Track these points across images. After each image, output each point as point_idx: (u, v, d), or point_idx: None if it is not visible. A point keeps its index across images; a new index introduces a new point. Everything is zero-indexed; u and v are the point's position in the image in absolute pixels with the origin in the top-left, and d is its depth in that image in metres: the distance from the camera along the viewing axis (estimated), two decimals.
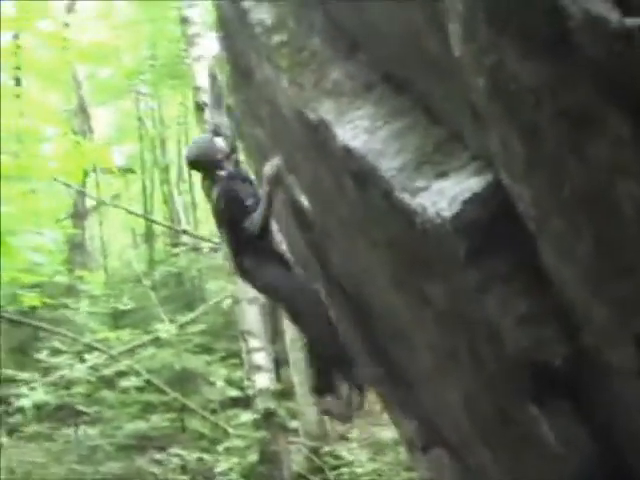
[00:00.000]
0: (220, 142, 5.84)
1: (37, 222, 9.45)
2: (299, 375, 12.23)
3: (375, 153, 3.41)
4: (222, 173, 5.72)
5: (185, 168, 21.47)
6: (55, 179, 14.79)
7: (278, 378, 13.00)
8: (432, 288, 3.51)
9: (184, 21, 11.65)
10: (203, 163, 5.88)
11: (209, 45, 10.55)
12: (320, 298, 5.55)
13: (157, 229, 21.84)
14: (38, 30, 13.42)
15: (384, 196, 3.37)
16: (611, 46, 1.98)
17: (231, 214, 5.60)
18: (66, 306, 16.50)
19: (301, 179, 5.10)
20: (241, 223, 5.44)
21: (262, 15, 4.43)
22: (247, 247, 5.57)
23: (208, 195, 6.05)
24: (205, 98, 10.13)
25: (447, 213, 2.96)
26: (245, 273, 5.76)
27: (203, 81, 10.35)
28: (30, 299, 12.47)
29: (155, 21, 18.91)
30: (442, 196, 3.02)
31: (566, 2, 2.05)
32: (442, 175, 3.14)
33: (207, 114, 9.60)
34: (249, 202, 5.52)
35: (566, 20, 2.05)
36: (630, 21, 1.93)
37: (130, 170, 21.32)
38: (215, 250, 16.18)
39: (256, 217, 5.36)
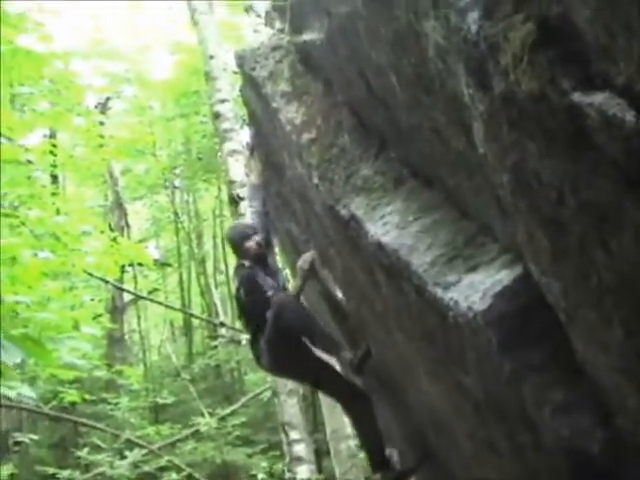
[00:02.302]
0: (251, 231, 5.91)
1: (76, 322, 9.53)
2: (340, 465, 12.10)
3: (407, 248, 3.48)
4: (246, 262, 5.79)
5: (221, 260, 21.79)
6: (92, 275, 14.97)
7: (319, 469, 12.88)
8: (468, 379, 3.54)
9: (216, 116, 11.90)
10: (232, 246, 6.02)
11: (242, 139, 10.80)
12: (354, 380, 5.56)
13: (195, 322, 21.99)
14: (74, 126, 13.73)
15: (417, 291, 3.43)
16: (627, 144, 2.05)
17: (252, 303, 5.64)
18: (106, 401, 16.56)
19: (335, 272, 5.18)
20: (260, 312, 5.50)
21: (291, 114, 4.58)
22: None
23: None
24: (239, 191, 10.29)
25: (479, 307, 3.01)
26: (259, 360, 5.78)
27: (237, 175, 10.56)
28: (70, 395, 12.57)
29: (188, 117, 19.40)
30: (473, 290, 3.07)
31: (583, 103, 2.13)
32: (473, 269, 3.19)
33: (243, 206, 9.74)
34: (270, 293, 5.55)
35: (583, 120, 2.13)
36: None
37: (167, 264, 21.57)
38: None
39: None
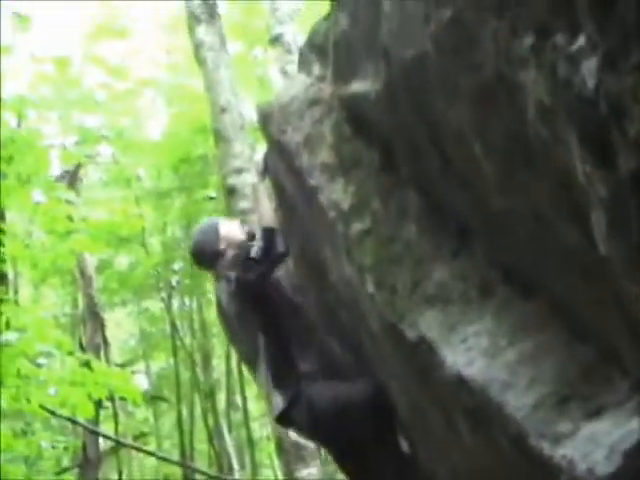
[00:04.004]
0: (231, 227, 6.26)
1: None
2: None
3: (499, 384, 3.47)
4: (229, 273, 6.00)
5: (237, 391, 21.76)
6: (54, 413, 14.97)
7: None
8: None
9: (230, 192, 12.00)
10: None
11: None
12: None
13: (199, 478, 21.86)
14: (31, 205, 13.89)
15: (514, 443, 3.41)
16: None
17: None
18: None
19: (399, 414, 5.16)
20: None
21: (337, 195, 4.63)
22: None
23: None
24: None
25: (605, 468, 2.98)
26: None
27: None
28: None
29: (190, 191, 19.62)
30: (596, 445, 3.04)
31: None
32: (594, 414, 3.17)
33: None
34: None
35: None
36: None
37: (160, 397, 21.57)
38: None
39: None
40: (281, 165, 5.29)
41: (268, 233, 5.84)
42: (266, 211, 6.20)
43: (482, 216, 3.73)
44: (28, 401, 11.82)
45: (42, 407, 12.62)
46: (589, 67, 2.37)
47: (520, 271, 3.72)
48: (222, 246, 6.15)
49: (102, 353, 19.03)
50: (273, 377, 5.97)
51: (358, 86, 4.49)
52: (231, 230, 6.29)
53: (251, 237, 6.10)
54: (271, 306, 5.88)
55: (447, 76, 3.38)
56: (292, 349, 5.87)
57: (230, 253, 6.10)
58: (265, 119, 5.28)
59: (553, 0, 2.51)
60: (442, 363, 3.77)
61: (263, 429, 23.50)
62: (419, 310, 4.05)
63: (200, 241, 6.40)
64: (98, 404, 16.75)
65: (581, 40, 2.41)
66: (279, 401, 5.90)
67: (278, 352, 5.90)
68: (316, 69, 5.18)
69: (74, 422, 17.23)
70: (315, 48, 5.23)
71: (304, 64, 5.38)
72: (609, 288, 2.86)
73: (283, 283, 6.00)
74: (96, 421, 18.67)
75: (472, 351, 3.70)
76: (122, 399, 17.40)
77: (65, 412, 15.04)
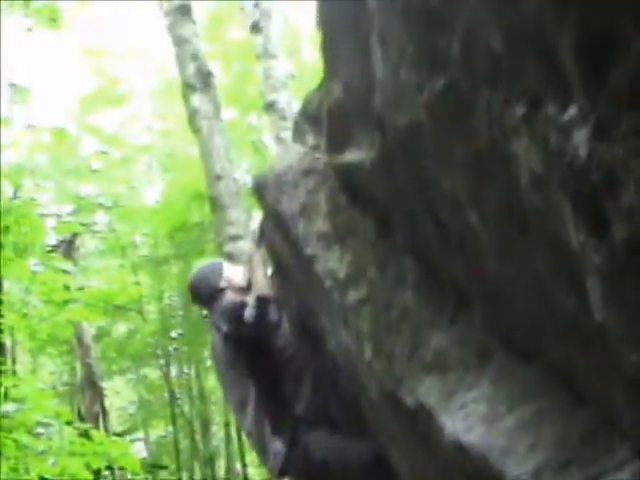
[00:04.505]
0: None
1: None
2: None
3: (499, 451, 3.46)
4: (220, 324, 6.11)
5: (237, 458, 21.63)
6: None
7: None
8: None
9: (228, 259, 12.01)
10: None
11: None
12: None
13: None
14: (28, 274, 13.90)
15: None
16: None
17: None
18: None
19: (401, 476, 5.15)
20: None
21: (333, 264, 4.64)
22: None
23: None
24: None
25: None
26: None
27: None
28: None
29: (187, 258, 19.63)
30: None
31: None
32: (595, 478, 3.16)
33: None
34: None
35: None
36: None
37: (160, 466, 21.43)
38: None
39: None
40: (277, 234, 5.30)
41: (262, 302, 5.86)
42: (260, 279, 6.22)
43: (479, 282, 3.74)
44: (27, 472, 11.79)
45: (41, 478, 12.59)
46: (581, 137, 2.39)
47: (518, 337, 3.72)
48: (222, 285, 6.20)
49: (101, 422, 18.97)
50: (271, 422, 5.97)
51: (352, 155, 4.52)
52: (234, 273, 6.35)
53: (248, 286, 6.14)
54: (262, 354, 5.92)
55: (441, 144, 3.40)
56: (286, 392, 5.89)
57: (229, 296, 6.15)
58: (260, 188, 5.30)
59: (545, 71, 2.53)
60: (441, 430, 3.76)
61: None
62: (417, 377, 4.04)
63: (202, 275, 6.47)
64: (97, 473, 16.66)
65: (572, 110, 2.43)
66: (279, 446, 5.88)
67: (272, 396, 5.91)
68: (310, 139, 5.21)
69: None
70: (309, 118, 5.26)
71: (298, 134, 5.40)
72: (608, 354, 2.87)
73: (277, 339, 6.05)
74: None
75: (471, 417, 3.69)
76: (121, 469, 17.33)
77: None
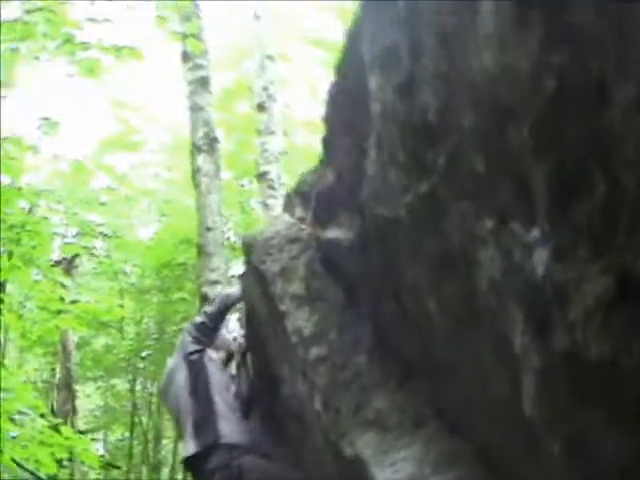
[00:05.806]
0: None
1: None
2: None
3: None
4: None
5: (180, 470, 21.38)
6: (23, 467, 14.71)
7: None
8: None
9: (204, 299, 11.95)
10: None
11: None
12: None
13: None
14: (30, 283, 13.80)
15: None
16: None
17: None
18: None
19: None
20: None
21: (301, 322, 4.62)
22: None
23: None
24: None
25: None
26: None
27: None
28: None
29: (168, 292, 19.54)
30: None
31: None
32: None
33: None
34: None
35: None
36: None
37: (114, 465, 21.19)
38: None
39: None
40: (257, 288, 5.27)
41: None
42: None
43: (427, 359, 3.72)
44: (1, 452, 11.65)
45: (13, 460, 12.43)
46: (541, 256, 2.39)
47: (453, 411, 3.71)
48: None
49: (70, 419, 18.74)
50: (194, 424, 5.89)
51: (333, 232, 4.51)
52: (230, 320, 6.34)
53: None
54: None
55: (414, 239, 3.39)
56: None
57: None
58: (248, 248, 5.28)
59: (517, 194, 2.53)
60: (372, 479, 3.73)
61: None
62: (359, 431, 4.01)
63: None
64: (59, 462, 16.44)
65: (535, 232, 2.43)
66: (192, 446, 5.79)
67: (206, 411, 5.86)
68: (298, 211, 5.21)
69: (38, 478, 16.91)
70: (300, 193, 5.25)
71: (289, 206, 5.40)
72: (531, 441, 2.85)
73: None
74: (55, 478, 18.30)
75: (399, 474, 3.66)
76: (81, 462, 17.12)
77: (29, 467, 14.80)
